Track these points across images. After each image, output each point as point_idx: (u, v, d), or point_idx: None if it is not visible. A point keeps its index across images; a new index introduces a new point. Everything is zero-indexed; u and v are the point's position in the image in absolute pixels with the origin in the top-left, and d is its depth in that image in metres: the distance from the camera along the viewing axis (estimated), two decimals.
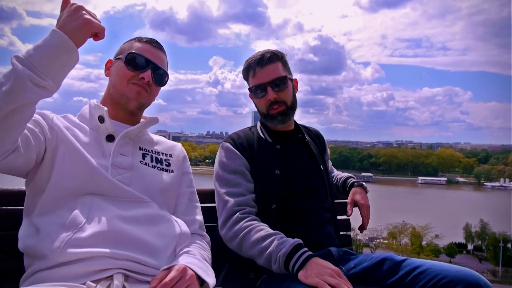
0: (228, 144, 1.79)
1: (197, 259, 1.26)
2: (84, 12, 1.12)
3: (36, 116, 1.24)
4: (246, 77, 1.86)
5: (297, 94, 1.89)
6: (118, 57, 1.45)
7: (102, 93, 1.49)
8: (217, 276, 1.48)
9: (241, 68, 1.92)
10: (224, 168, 1.72)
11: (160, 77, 1.45)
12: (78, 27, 1.10)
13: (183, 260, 1.21)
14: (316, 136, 2.06)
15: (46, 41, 1.06)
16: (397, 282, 1.50)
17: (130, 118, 1.45)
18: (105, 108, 1.35)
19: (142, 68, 1.40)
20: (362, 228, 1.91)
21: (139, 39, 1.47)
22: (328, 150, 2.14)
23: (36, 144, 1.19)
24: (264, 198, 1.69)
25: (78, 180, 1.22)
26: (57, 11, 1.16)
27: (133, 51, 1.41)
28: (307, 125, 2.10)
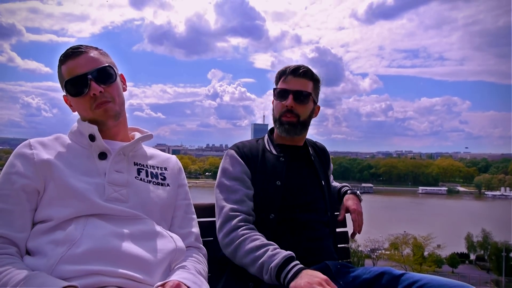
0: (233, 152, 1.83)
1: (191, 274, 1.26)
2: None
3: (17, 179, 1.23)
4: (277, 79, 1.90)
5: None
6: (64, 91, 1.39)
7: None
8: (215, 287, 1.48)
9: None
10: (225, 174, 1.76)
11: (104, 75, 1.34)
12: None
13: (177, 276, 1.20)
14: (322, 152, 2.08)
15: None
16: None
17: (117, 132, 1.43)
18: (95, 127, 1.33)
19: (85, 86, 1.31)
20: (353, 234, 1.91)
21: (61, 61, 1.35)
22: (332, 166, 2.16)
23: (31, 215, 1.24)
24: (263, 208, 1.71)
25: (71, 210, 1.22)
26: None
27: (65, 78, 1.33)
28: (314, 140, 2.13)
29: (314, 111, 1.92)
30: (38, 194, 1.25)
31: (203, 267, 1.41)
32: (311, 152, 1.95)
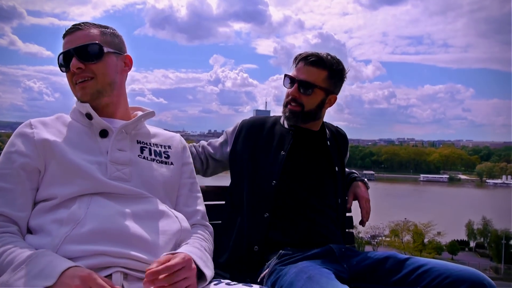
0: (237, 124, 1.94)
1: (198, 249, 1.26)
2: None
3: (17, 158, 1.21)
4: (292, 64, 1.86)
5: None
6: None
7: None
8: (218, 254, 1.49)
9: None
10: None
11: (86, 52, 1.30)
12: None
13: (185, 249, 1.20)
14: (342, 138, 2.05)
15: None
16: (400, 280, 1.49)
17: (114, 111, 1.39)
18: (87, 104, 1.30)
19: (67, 62, 1.30)
20: (362, 221, 1.92)
21: (63, 37, 1.35)
22: (348, 154, 2.14)
23: (32, 194, 1.22)
24: (264, 175, 1.73)
25: (74, 188, 1.20)
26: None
27: (59, 53, 1.34)
28: (336, 125, 2.10)
29: (327, 101, 1.84)
30: (39, 174, 1.23)
31: (209, 245, 1.41)
32: (328, 136, 1.93)
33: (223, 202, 1.88)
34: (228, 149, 1.88)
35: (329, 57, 1.79)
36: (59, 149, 1.23)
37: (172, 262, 1.06)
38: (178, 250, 1.19)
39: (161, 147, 1.46)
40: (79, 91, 1.32)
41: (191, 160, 1.56)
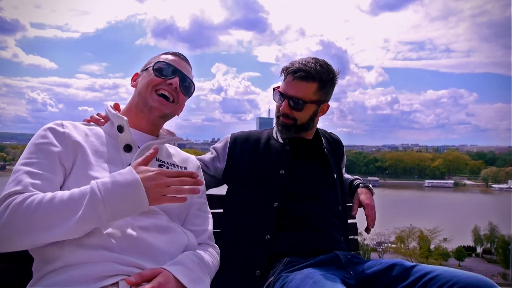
0: (228, 136, 1.93)
1: (192, 261, 1.24)
2: (169, 189, 1.13)
3: (50, 148, 1.21)
4: (281, 75, 1.82)
5: None
6: (145, 68, 1.49)
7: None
8: (221, 278, 1.47)
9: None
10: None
11: (187, 87, 1.49)
12: (159, 200, 1.13)
13: (177, 260, 1.22)
14: (336, 143, 2.05)
15: (129, 197, 1.08)
16: (407, 287, 1.47)
17: (151, 128, 1.46)
18: (125, 118, 1.35)
19: (169, 75, 1.43)
20: (367, 229, 1.91)
21: (165, 53, 1.52)
22: (345, 158, 2.14)
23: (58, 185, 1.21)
24: (266, 196, 1.71)
25: None
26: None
27: (160, 60, 1.46)
28: (329, 131, 2.10)
29: (320, 111, 1.83)
30: (64, 171, 1.23)
31: (213, 260, 1.41)
32: (324, 144, 1.92)
33: (219, 211, 1.86)
34: (222, 165, 1.85)
35: (318, 67, 1.72)
36: (83, 156, 1.24)
37: (149, 285, 1.05)
38: (170, 264, 1.18)
39: (178, 168, 1.50)
40: (156, 103, 1.40)
41: (203, 180, 1.58)
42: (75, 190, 1.09)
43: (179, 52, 1.54)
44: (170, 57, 1.49)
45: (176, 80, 1.43)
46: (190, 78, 1.50)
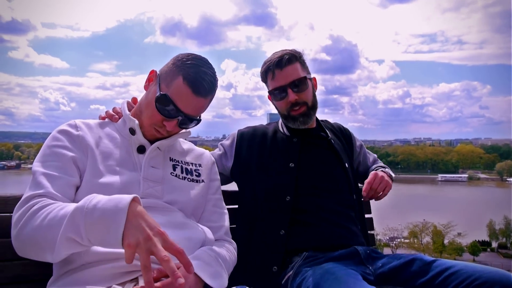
0: (235, 133, 1.93)
1: (209, 255, 1.24)
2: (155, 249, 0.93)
3: (65, 152, 1.21)
4: (264, 80, 1.86)
5: None
6: (158, 79, 1.32)
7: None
8: (238, 273, 1.47)
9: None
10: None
11: (187, 123, 1.34)
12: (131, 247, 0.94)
13: (193, 260, 1.18)
14: (340, 131, 2.04)
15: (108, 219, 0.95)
16: (427, 282, 1.45)
17: None
18: (136, 122, 1.33)
19: (169, 116, 1.29)
20: (365, 192, 1.80)
21: (185, 75, 1.26)
22: (357, 142, 2.09)
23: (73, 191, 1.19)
24: (277, 191, 1.70)
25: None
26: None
27: (168, 94, 1.27)
28: (329, 120, 2.09)
29: (314, 86, 1.88)
30: (80, 173, 1.23)
31: (230, 255, 1.40)
32: (329, 135, 1.91)
33: (233, 206, 1.85)
34: (230, 162, 1.85)
35: (288, 51, 1.80)
36: (93, 162, 1.24)
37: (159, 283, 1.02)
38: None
39: (192, 165, 1.48)
40: (152, 132, 1.35)
41: (218, 176, 1.57)
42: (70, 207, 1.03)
43: (201, 82, 1.27)
44: (184, 89, 1.26)
45: (172, 124, 1.30)
46: (195, 117, 1.34)
